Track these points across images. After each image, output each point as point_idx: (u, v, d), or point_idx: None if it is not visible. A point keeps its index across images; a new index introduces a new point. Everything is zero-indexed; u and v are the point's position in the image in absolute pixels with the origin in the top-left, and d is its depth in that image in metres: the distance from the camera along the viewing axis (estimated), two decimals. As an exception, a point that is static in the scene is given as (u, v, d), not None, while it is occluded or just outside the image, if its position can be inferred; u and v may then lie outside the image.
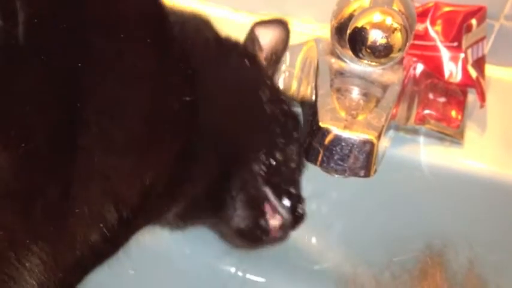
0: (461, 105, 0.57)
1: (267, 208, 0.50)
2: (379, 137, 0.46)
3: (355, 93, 0.49)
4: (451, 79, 0.57)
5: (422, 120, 0.55)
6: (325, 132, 0.46)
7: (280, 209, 0.50)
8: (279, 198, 0.50)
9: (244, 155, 0.50)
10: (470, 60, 0.57)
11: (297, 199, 0.51)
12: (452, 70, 0.57)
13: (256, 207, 0.50)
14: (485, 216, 0.54)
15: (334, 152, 0.46)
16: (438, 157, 0.55)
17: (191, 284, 0.60)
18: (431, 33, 0.57)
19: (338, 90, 0.49)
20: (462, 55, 0.56)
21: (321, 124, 0.46)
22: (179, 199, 0.49)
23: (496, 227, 0.54)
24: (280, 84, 0.58)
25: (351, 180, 0.49)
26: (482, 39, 0.59)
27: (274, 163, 0.50)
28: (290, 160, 0.51)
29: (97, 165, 0.39)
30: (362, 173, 0.46)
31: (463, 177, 0.54)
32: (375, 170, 0.47)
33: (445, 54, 0.57)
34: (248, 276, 0.59)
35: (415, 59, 0.57)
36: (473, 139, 0.56)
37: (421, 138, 0.55)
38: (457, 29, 0.57)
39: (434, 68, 0.57)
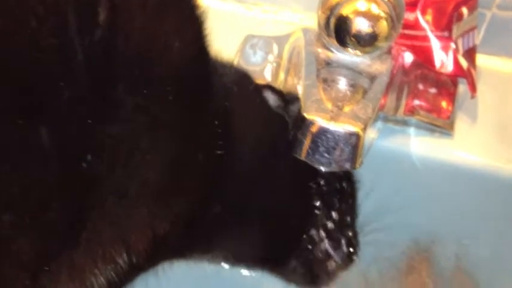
0: (452, 96, 0.56)
1: (326, 263, 0.51)
2: (365, 129, 0.45)
3: (342, 84, 0.48)
4: (442, 69, 0.56)
5: (412, 111, 0.54)
6: (310, 123, 0.45)
7: (337, 258, 0.51)
8: (338, 248, 0.51)
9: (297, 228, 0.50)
10: (461, 50, 0.56)
11: (352, 242, 0.51)
12: (443, 60, 0.56)
13: (317, 264, 0.50)
14: (474, 210, 0.53)
15: (319, 144, 0.45)
16: (428, 148, 0.54)
17: (181, 275, 0.59)
18: (422, 22, 0.56)
19: (324, 80, 0.48)
20: (453, 45, 0.55)
21: (306, 115, 0.45)
22: (203, 250, 0.49)
23: (486, 220, 0.54)
24: (267, 75, 0.57)
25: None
26: (473, 28, 0.58)
27: (331, 225, 0.50)
28: (346, 215, 0.51)
29: (108, 212, 0.38)
30: (347, 165, 0.45)
31: (452, 169, 0.53)
32: (361, 162, 0.46)
33: (435, 44, 0.56)
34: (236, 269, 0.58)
35: (404, 48, 0.56)
36: (464, 130, 0.55)
37: (411, 130, 0.54)
38: (448, 18, 0.56)
39: (425, 58, 0.56)
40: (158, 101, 0.39)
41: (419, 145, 0.54)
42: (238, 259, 0.52)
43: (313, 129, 0.45)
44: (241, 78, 0.51)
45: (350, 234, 0.51)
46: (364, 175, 0.53)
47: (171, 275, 0.49)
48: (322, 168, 0.46)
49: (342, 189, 0.51)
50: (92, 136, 0.37)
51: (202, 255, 0.51)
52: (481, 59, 0.58)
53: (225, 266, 0.54)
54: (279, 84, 0.56)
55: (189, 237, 0.45)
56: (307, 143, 0.45)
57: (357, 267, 0.50)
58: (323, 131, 0.45)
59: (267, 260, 0.51)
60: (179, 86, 0.40)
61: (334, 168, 0.45)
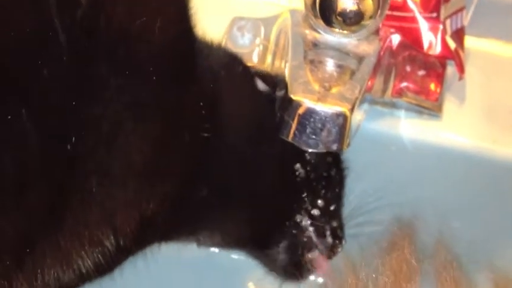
0: (440, 78, 0.56)
1: (310, 250, 0.51)
2: (352, 110, 0.45)
3: (329, 65, 0.48)
4: (430, 51, 0.55)
5: (400, 93, 0.54)
6: (297, 105, 0.45)
7: (321, 247, 0.51)
8: (322, 236, 0.50)
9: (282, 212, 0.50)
10: (449, 31, 0.56)
11: (337, 235, 0.51)
12: (431, 41, 0.55)
13: (300, 251, 0.50)
14: (461, 189, 0.53)
15: (306, 125, 0.45)
16: (416, 130, 0.53)
17: (170, 259, 0.59)
18: (410, 4, 0.55)
19: (311, 62, 0.48)
20: (441, 26, 0.55)
21: (293, 96, 0.45)
22: (190, 232, 0.49)
23: (472, 200, 0.54)
24: (254, 58, 0.57)
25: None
26: (461, 9, 0.57)
27: (317, 212, 0.50)
28: (332, 203, 0.51)
29: (94, 194, 0.38)
30: (335, 146, 0.45)
31: (441, 150, 0.53)
32: (348, 144, 0.46)
33: (423, 25, 0.55)
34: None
35: (392, 30, 0.56)
36: (452, 112, 0.55)
37: (399, 112, 0.54)
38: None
39: (413, 40, 0.56)
40: (141, 81, 0.39)
41: (407, 127, 0.54)
42: (223, 241, 0.52)
43: (300, 110, 0.45)
44: (230, 61, 0.50)
45: (335, 224, 0.51)
46: (352, 158, 0.52)
47: (160, 258, 0.49)
48: (310, 150, 0.46)
49: (329, 177, 0.51)
50: (75, 116, 0.36)
51: (188, 238, 0.51)
52: (469, 40, 0.58)
53: (213, 248, 0.54)
54: (266, 67, 0.56)
55: (176, 219, 0.45)
56: (294, 124, 0.45)
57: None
58: (310, 112, 0.45)
59: (251, 243, 0.51)
60: (162, 66, 0.40)
61: (321, 149, 0.45)
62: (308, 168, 0.49)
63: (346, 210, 0.51)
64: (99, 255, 0.40)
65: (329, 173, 0.51)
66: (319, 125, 0.44)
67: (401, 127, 0.54)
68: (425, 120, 0.54)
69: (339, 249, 0.51)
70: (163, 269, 0.54)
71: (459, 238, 0.47)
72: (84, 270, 0.40)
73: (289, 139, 0.46)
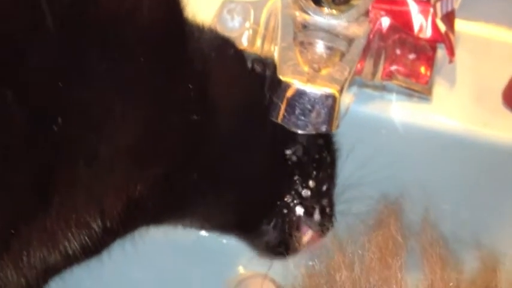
0: (430, 61, 0.56)
1: (299, 228, 0.51)
2: (341, 91, 0.45)
3: (319, 46, 0.48)
4: (420, 34, 0.55)
5: (390, 76, 0.54)
6: (286, 86, 0.44)
7: (310, 226, 0.51)
8: (311, 215, 0.51)
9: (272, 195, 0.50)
10: (439, 14, 0.56)
11: (327, 214, 0.51)
12: (422, 24, 0.55)
13: (289, 229, 0.50)
14: (451, 171, 0.54)
15: (295, 106, 0.45)
16: (406, 113, 0.53)
17: (160, 243, 0.59)
18: (400, -14, 0.55)
19: (301, 43, 0.48)
20: (431, 9, 0.55)
21: (282, 78, 0.44)
22: (180, 216, 0.49)
23: (461, 182, 0.54)
24: (244, 41, 0.56)
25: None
26: (451, -8, 0.57)
27: (307, 192, 0.50)
28: (323, 184, 0.51)
29: (81, 176, 0.38)
30: (324, 128, 0.45)
31: (430, 133, 0.53)
32: (337, 125, 0.46)
33: (413, 8, 0.55)
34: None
35: (382, 13, 0.55)
36: (442, 95, 0.55)
37: (389, 95, 0.54)
38: (427, -18, 0.55)
39: (404, 23, 0.56)
40: (130, 63, 0.38)
41: (397, 110, 0.54)
42: (212, 225, 0.52)
43: (289, 91, 0.45)
44: (221, 43, 0.50)
45: (325, 204, 0.51)
46: (342, 140, 0.52)
47: (150, 242, 0.49)
48: (299, 131, 0.45)
49: (320, 159, 0.51)
50: (62, 99, 0.36)
51: (178, 221, 0.51)
52: (459, 24, 0.57)
53: (203, 232, 0.54)
54: (255, 51, 0.55)
55: (166, 203, 0.45)
56: (283, 105, 0.45)
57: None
58: (299, 94, 0.44)
59: (241, 225, 0.51)
60: (152, 48, 0.39)
61: (310, 130, 0.45)
62: (299, 151, 0.49)
63: (336, 190, 0.52)
64: (86, 237, 0.39)
65: (320, 155, 0.51)
66: (309, 106, 0.44)
67: (391, 110, 0.54)
68: (415, 103, 0.54)
69: (329, 227, 0.51)
70: (152, 252, 0.54)
71: (446, 217, 0.48)
72: (70, 252, 0.39)
73: (279, 120, 0.45)
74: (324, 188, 0.51)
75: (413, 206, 0.47)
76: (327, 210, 0.51)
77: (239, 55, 0.50)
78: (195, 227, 0.52)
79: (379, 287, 0.38)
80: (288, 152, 0.50)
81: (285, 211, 0.50)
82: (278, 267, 0.54)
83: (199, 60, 0.45)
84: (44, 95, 0.35)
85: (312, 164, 0.50)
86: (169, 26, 0.42)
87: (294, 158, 0.50)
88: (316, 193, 0.50)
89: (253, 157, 0.49)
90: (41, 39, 0.35)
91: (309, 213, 0.50)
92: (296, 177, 0.50)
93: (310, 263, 0.45)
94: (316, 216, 0.51)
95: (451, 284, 0.40)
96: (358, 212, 0.48)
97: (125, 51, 0.38)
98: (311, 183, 0.50)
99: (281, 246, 0.51)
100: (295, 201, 0.50)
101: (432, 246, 0.41)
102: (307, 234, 0.52)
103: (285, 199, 0.50)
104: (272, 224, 0.50)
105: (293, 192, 0.50)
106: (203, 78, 0.45)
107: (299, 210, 0.50)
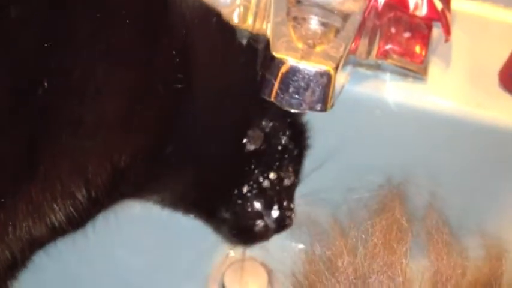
0: (426, 40, 0.54)
1: (256, 219, 0.49)
2: (336, 69, 0.43)
3: (313, 22, 0.46)
4: (416, 12, 0.54)
5: (385, 55, 0.52)
6: (280, 63, 0.43)
7: (268, 221, 0.49)
8: (269, 209, 0.49)
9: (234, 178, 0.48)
10: (436, -8, 0.54)
11: (285, 210, 0.50)
12: (417, 2, 0.54)
13: (244, 220, 0.49)
14: (447, 152, 0.53)
15: (289, 84, 0.43)
16: (401, 93, 0.52)
17: (147, 224, 0.58)
18: (396, -37, 0.54)
19: (295, 19, 0.46)
20: (428, -13, 0.53)
21: (275, 54, 0.43)
22: (153, 190, 0.48)
23: (458, 162, 0.53)
24: (235, 18, 0.54)
25: (310, 116, 0.46)
26: (448, -31, 0.56)
27: (267, 184, 0.48)
28: (286, 177, 0.49)
29: (66, 145, 0.37)
30: (318, 107, 0.43)
31: (425, 114, 0.52)
32: (332, 104, 0.44)
33: (409, -15, 0.54)
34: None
35: (378, -11, 0.54)
36: (437, 75, 0.53)
37: (383, 74, 0.53)
38: (423, -42, 0.53)
39: (399, 1, 0.54)
40: (112, 25, 0.37)
41: (392, 90, 0.52)
42: (172, 203, 0.50)
43: (283, 68, 0.43)
44: (205, 11, 0.48)
45: (286, 199, 0.50)
46: (335, 119, 0.51)
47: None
48: (292, 110, 0.44)
49: (286, 150, 0.49)
50: (45, 62, 0.35)
51: (151, 196, 0.49)
52: (455, 2, 0.56)
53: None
54: (246, 28, 0.54)
55: (146, 174, 0.44)
56: (276, 83, 0.43)
57: (327, 208, 0.49)
58: (293, 71, 0.43)
59: (198, 205, 0.50)
60: (135, 9, 0.38)
61: (304, 109, 0.44)
62: (261, 140, 0.48)
63: (332, 172, 0.50)
64: (71, 208, 0.39)
65: (287, 146, 0.49)
66: (303, 84, 0.43)
67: (386, 90, 0.52)
68: (410, 83, 0.53)
69: (287, 225, 0.50)
70: (141, 233, 0.53)
71: (450, 204, 0.47)
72: (56, 224, 0.38)
73: (271, 98, 0.44)
74: (287, 182, 0.50)
75: (415, 188, 0.46)
76: (286, 205, 0.50)
77: (223, 24, 0.49)
78: (166, 205, 0.51)
79: (383, 274, 0.37)
80: (250, 140, 0.48)
81: (240, 201, 0.48)
82: (271, 251, 0.53)
83: (182, 26, 0.43)
84: (26, 57, 0.34)
85: (275, 155, 0.49)
86: None
87: (256, 147, 0.48)
88: (277, 187, 0.49)
89: (219, 136, 0.47)
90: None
91: (267, 206, 0.49)
92: (254, 167, 0.48)
93: (310, 247, 0.43)
94: (275, 210, 0.49)
95: (458, 271, 0.38)
96: (359, 197, 0.47)
97: (108, 11, 0.37)
98: (272, 174, 0.49)
99: (239, 235, 0.50)
100: (253, 192, 0.48)
101: (437, 231, 0.40)
102: (264, 228, 0.50)
103: (243, 188, 0.48)
104: (229, 212, 0.49)
105: (252, 182, 0.48)
106: (186, 45, 0.43)
107: (257, 202, 0.49)
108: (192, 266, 0.59)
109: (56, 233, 0.40)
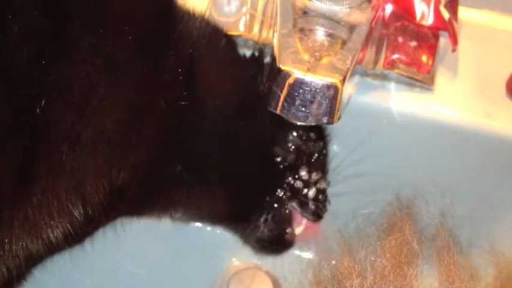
0: (433, 50, 0.54)
1: (292, 221, 0.50)
2: (343, 81, 0.43)
3: (320, 33, 0.46)
4: (422, 21, 0.54)
5: (391, 64, 0.52)
6: (286, 75, 0.42)
7: (305, 216, 0.50)
8: (305, 205, 0.49)
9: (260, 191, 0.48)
10: (443, 1, 0.54)
11: (320, 199, 0.50)
12: (424, 11, 0.54)
13: (281, 224, 0.49)
14: (456, 165, 0.52)
15: (295, 97, 0.43)
16: (408, 103, 0.52)
17: (151, 234, 0.58)
18: (403, -28, 0.53)
19: (301, 30, 0.46)
20: (435, -4, 0.53)
21: (282, 67, 0.43)
22: (163, 207, 0.48)
23: (467, 175, 0.52)
24: (241, 27, 0.54)
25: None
26: (456, -22, 0.55)
27: (300, 184, 0.49)
28: (316, 168, 0.49)
29: (63, 162, 0.36)
30: (325, 119, 0.43)
31: (433, 124, 0.51)
32: (339, 117, 0.44)
33: (416, -6, 0.53)
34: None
35: (385, -1, 0.54)
36: (444, 85, 0.53)
37: (390, 84, 0.52)
38: (430, -32, 0.53)
39: (406, 10, 0.54)
40: (115, 41, 0.36)
41: (399, 100, 0.52)
42: (197, 217, 0.51)
43: (289, 81, 0.43)
44: (212, 31, 0.48)
45: (319, 189, 0.50)
46: (342, 131, 0.51)
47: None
48: (299, 123, 0.44)
49: (311, 148, 0.49)
50: (44, 77, 0.34)
51: (161, 213, 0.49)
52: (462, 11, 0.56)
53: (198, 224, 0.53)
54: (252, 37, 0.53)
55: (148, 193, 0.44)
56: (282, 96, 0.43)
57: (334, 224, 0.49)
58: (299, 83, 0.43)
59: (230, 217, 0.50)
60: (139, 25, 0.38)
61: (311, 122, 0.43)
62: (291, 156, 0.48)
63: (339, 184, 0.50)
64: (68, 225, 0.38)
65: (312, 144, 0.49)
66: (309, 97, 0.43)
67: (392, 100, 0.52)
68: (417, 93, 0.53)
69: (324, 213, 0.50)
70: (145, 244, 0.53)
71: (459, 218, 0.46)
72: (53, 240, 0.38)
73: (278, 111, 0.44)
74: (316, 175, 0.50)
75: (426, 204, 0.45)
76: (320, 196, 0.50)
77: (231, 45, 0.49)
78: (180, 219, 0.51)
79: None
80: (278, 148, 0.48)
81: (276, 205, 0.49)
82: (274, 259, 0.53)
83: (188, 44, 0.43)
84: (25, 71, 0.34)
85: (303, 157, 0.49)
86: (158, 3, 0.41)
87: (284, 153, 0.48)
88: (309, 183, 0.49)
89: (239, 150, 0.47)
90: (23, 12, 0.33)
91: (302, 203, 0.49)
92: (287, 171, 0.48)
93: (317, 267, 0.43)
94: (311, 205, 0.49)
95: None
96: (368, 212, 0.47)
97: (110, 26, 0.37)
98: (303, 174, 0.49)
99: (274, 242, 0.50)
100: (287, 194, 0.49)
101: (448, 252, 0.39)
102: (302, 225, 0.50)
103: (276, 193, 0.48)
104: (263, 218, 0.49)
105: (285, 186, 0.49)
106: (192, 64, 0.43)
107: (292, 203, 0.49)
108: (196, 274, 0.59)
109: (53, 249, 0.39)
